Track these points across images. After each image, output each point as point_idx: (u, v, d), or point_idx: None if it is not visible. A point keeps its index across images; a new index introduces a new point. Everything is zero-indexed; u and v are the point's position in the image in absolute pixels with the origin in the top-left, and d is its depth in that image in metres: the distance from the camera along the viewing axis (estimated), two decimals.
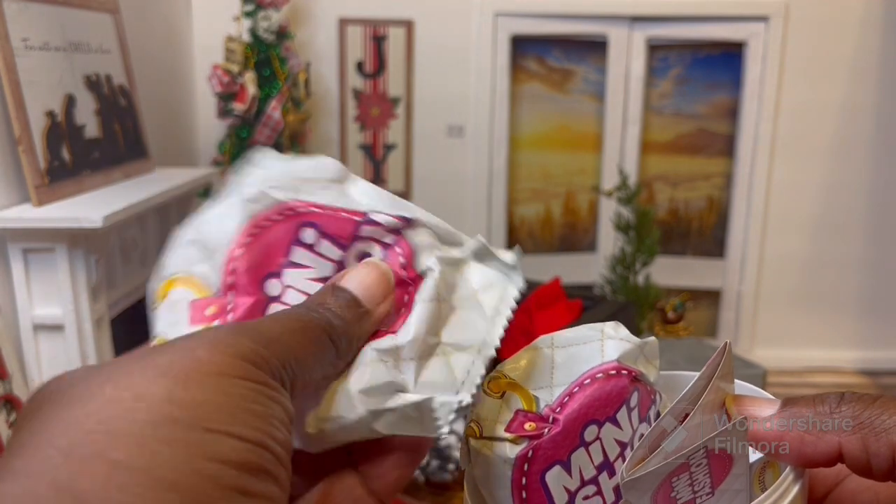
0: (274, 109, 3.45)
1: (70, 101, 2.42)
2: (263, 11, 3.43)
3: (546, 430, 0.37)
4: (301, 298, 0.34)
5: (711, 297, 4.06)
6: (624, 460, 0.37)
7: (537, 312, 2.99)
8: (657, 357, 0.40)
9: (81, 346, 2.28)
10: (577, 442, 0.36)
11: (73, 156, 2.39)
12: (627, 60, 3.80)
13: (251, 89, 3.40)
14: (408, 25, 3.78)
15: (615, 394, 0.37)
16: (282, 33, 3.52)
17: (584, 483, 0.37)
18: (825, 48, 3.72)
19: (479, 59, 3.81)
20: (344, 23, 3.79)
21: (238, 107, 3.41)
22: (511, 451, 0.36)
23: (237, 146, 3.50)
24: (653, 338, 0.40)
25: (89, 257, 2.25)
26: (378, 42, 3.81)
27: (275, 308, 0.34)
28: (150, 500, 0.20)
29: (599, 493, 0.37)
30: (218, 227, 0.36)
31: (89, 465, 0.21)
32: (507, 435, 0.37)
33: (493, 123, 3.85)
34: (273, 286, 0.35)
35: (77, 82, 2.49)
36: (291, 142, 3.53)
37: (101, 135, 2.59)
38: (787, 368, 3.94)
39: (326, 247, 0.36)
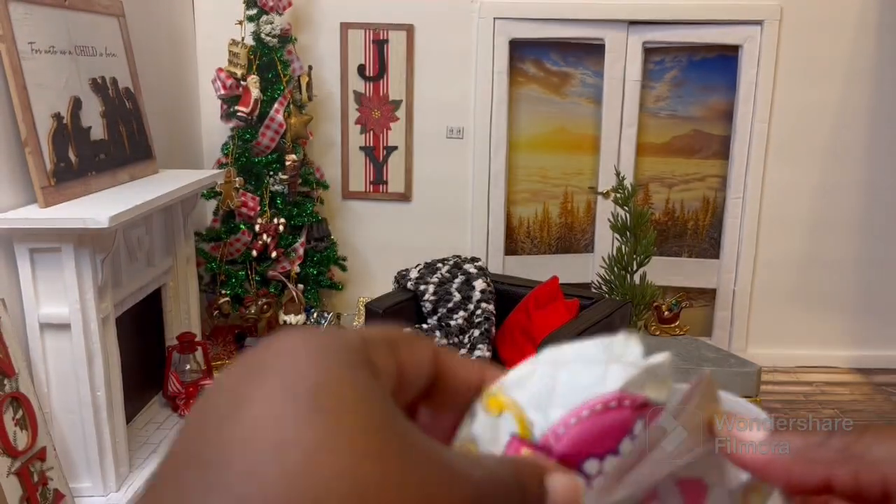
0: (277, 112, 3.48)
1: (76, 104, 2.44)
2: (266, 16, 3.46)
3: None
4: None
5: (706, 297, 4.09)
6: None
7: (535, 311, 3.02)
8: (670, 376, 0.37)
9: (87, 344, 2.31)
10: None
11: (79, 157, 2.41)
12: (624, 63, 3.83)
13: (254, 92, 3.43)
14: (408, 29, 3.82)
15: (616, 427, 0.34)
16: (284, 37, 3.55)
17: None
18: (819, 51, 3.75)
19: (478, 63, 3.84)
20: (345, 27, 3.82)
21: (241, 109, 3.44)
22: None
23: (240, 148, 3.53)
24: (666, 356, 0.37)
25: (95, 257, 2.27)
26: (379, 46, 3.84)
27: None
28: None
29: None
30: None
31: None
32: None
33: (492, 126, 3.88)
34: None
35: (83, 85, 2.52)
36: (294, 144, 3.56)
37: (107, 137, 2.62)
38: (781, 367, 3.97)
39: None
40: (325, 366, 0.24)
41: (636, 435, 0.34)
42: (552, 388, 0.35)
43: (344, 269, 3.89)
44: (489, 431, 0.35)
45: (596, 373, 0.35)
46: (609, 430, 0.34)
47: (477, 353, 2.93)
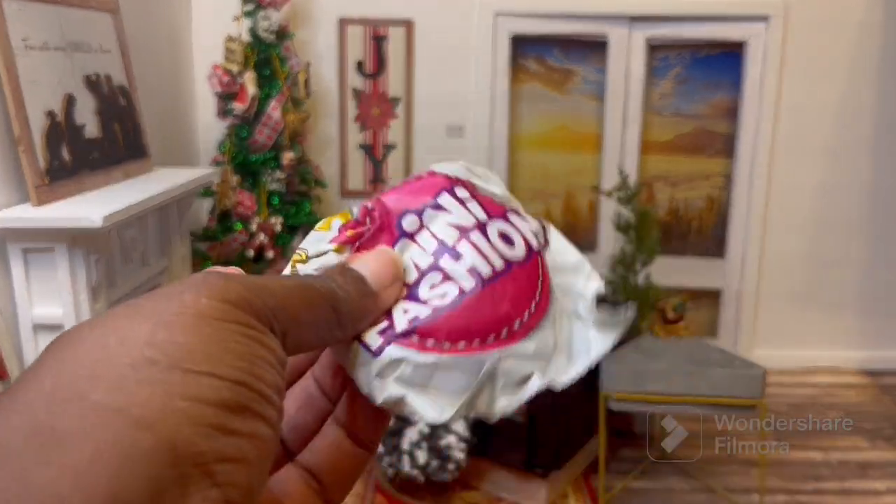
0: (274, 109, 3.44)
1: (70, 101, 2.41)
2: (263, 11, 3.43)
3: (365, 230, 0.36)
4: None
5: (711, 297, 4.06)
6: (470, 242, 0.35)
7: None
8: (494, 176, 0.40)
9: None
10: (395, 234, 0.36)
11: (73, 156, 2.38)
12: (627, 60, 3.80)
13: (251, 89, 3.39)
14: (408, 25, 3.78)
15: (427, 185, 0.37)
16: (282, 33, 3.51)
17: (422, 273, 0.35)
18: (825, 48, 3.72)
19: (479, 59, 3.80)
20: (344, 23, 3.78)
21: (238, 106, 3.40)
22: (336, 260, 0.35)
23: (237, 146, 3.49)
24: (483, 168, 0.40)
25: (89, 257, 2.24)
26: (378, 42, 3.81)
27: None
28: (125, 438, 0.21)
29: (448, 278, 0.35)
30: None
31: (69, 406, 0.22)
32: (331, 246, 0.36)
33: (493, 123, 3.85)
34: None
35: (77, 82, 2.49)
36: (291, 141, 3.52)
37: (101, 135, 2.58)
38: (787, 368, 3.94)
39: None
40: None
41: (463, 197, 0.37)
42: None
43: None
44: (319, 240, 0.36)
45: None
46: (420, 188, 0.36)
47: None
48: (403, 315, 0.34)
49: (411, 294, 0.34)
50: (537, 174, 3.99)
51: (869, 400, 3.65)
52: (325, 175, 3.85)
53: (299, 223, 3.61)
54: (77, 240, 2.20)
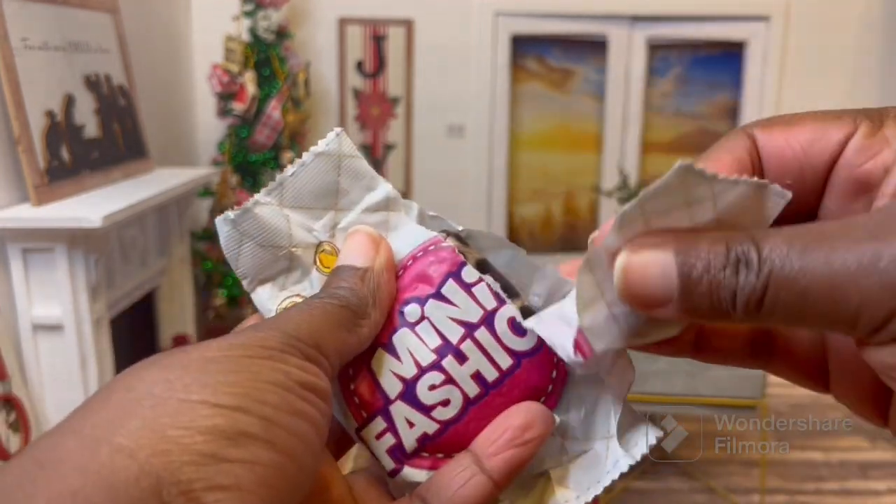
0: (274, 109, 3.44)
1: (69, 101, 2.41)
2: (263, 11, 3.42)
3: None
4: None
5: None
6: (475, 342, 0.33)
7: None
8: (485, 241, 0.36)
9: (81, 346, 2.27)
10: (395, 323, 0.33)
11: (73, 156, 2.38)
12: (627, 60, 3.80)
13: (251, 89, 3.39)
14: (408, 25, 3.78)
15: (434, 267, 0.34)
16: (281, 33, 3.51)
17: (422, 370, 0.32)
18: (825, 48, 3.72)
19: (479, 59, 3.80)
20: (344, 22, 3.78)
21: (238, 106, 3.40)
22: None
23: (237, 146, 3.49)
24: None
25: (89, 257, 2.24)
26: (378, 42, 3.80)
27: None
28: (107, 467, 0.22)
29: (451, 381, 0.32)
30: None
31: (66, 440, 0.22)
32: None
33: (493, 123, 3.85)
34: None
35: (76, 82, 2.48)
36: (291, 141, 3.52)
37: (101, 135, 2.58)
38: None
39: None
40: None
41: (471, 282, 0.33)
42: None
43: None
44: (319, 285, 0.34)
45: (417, 231, 0.36)
46: (425, 272, 0.34)
47: None
48: (409, 430, 0.33)
49: (409, 392, 0.32)
50: (537, 174, 3.99)
51: None
52: None
53: None
54: (76, 240, 2.20)
